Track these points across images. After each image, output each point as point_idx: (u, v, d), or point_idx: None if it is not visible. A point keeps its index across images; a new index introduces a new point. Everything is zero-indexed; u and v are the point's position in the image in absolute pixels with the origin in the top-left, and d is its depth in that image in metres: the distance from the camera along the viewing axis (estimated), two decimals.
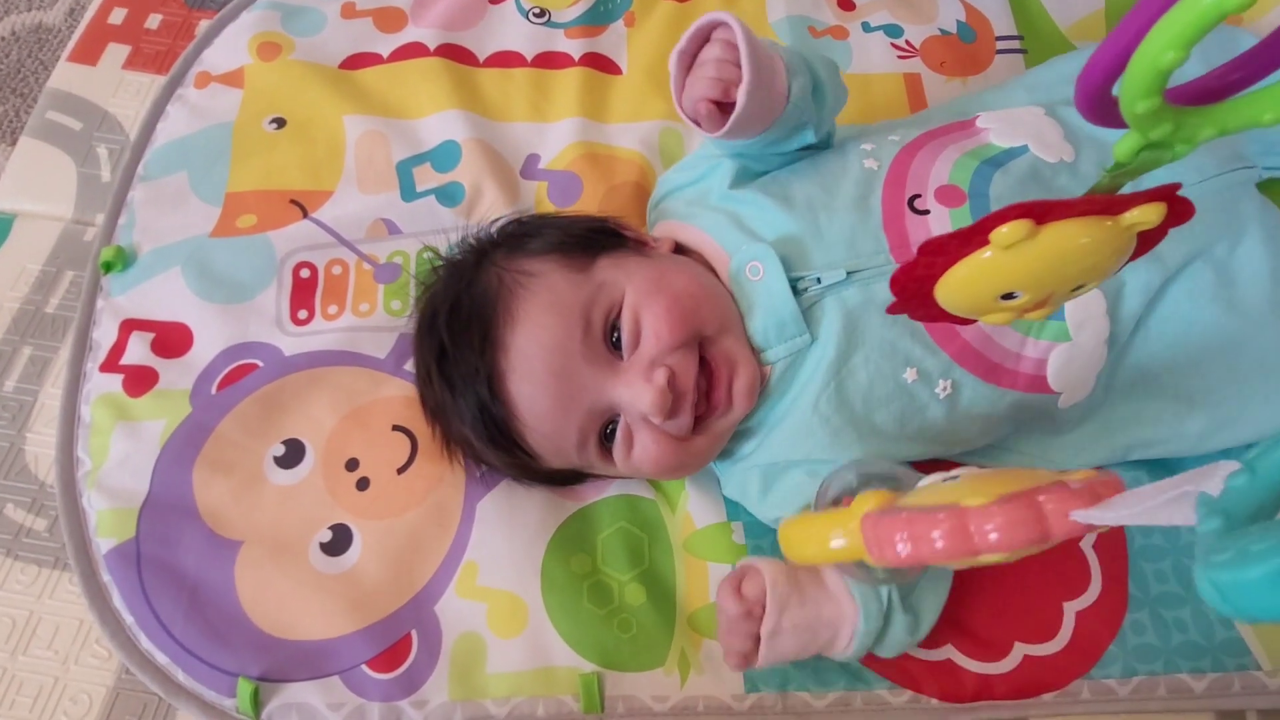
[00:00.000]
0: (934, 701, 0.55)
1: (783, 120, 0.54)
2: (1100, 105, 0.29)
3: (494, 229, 0.61)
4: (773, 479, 0.56)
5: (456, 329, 0.54)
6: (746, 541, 0.59)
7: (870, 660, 0.55)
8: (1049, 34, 0.84)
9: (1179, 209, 0.32)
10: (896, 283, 0.35)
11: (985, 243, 0.31)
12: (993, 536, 0.29)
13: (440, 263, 0.61)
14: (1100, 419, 0.57)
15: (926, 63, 0.82)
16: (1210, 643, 0.57)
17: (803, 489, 0.54)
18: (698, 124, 0.54)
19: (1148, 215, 0.31)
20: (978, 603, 0.57)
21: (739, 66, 0.50)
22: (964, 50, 0.83)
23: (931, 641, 0.56)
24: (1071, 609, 0.58)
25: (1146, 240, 0.33)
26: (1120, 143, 0.30)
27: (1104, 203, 0.31)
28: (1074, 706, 0.55)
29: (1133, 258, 0.34)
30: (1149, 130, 0.29)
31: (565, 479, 0.59)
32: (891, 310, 0.36)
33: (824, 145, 0.62)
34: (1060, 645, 0.56)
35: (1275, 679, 0.56)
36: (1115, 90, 0.28)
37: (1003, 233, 0.31)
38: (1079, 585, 0.58)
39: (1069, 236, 0.31)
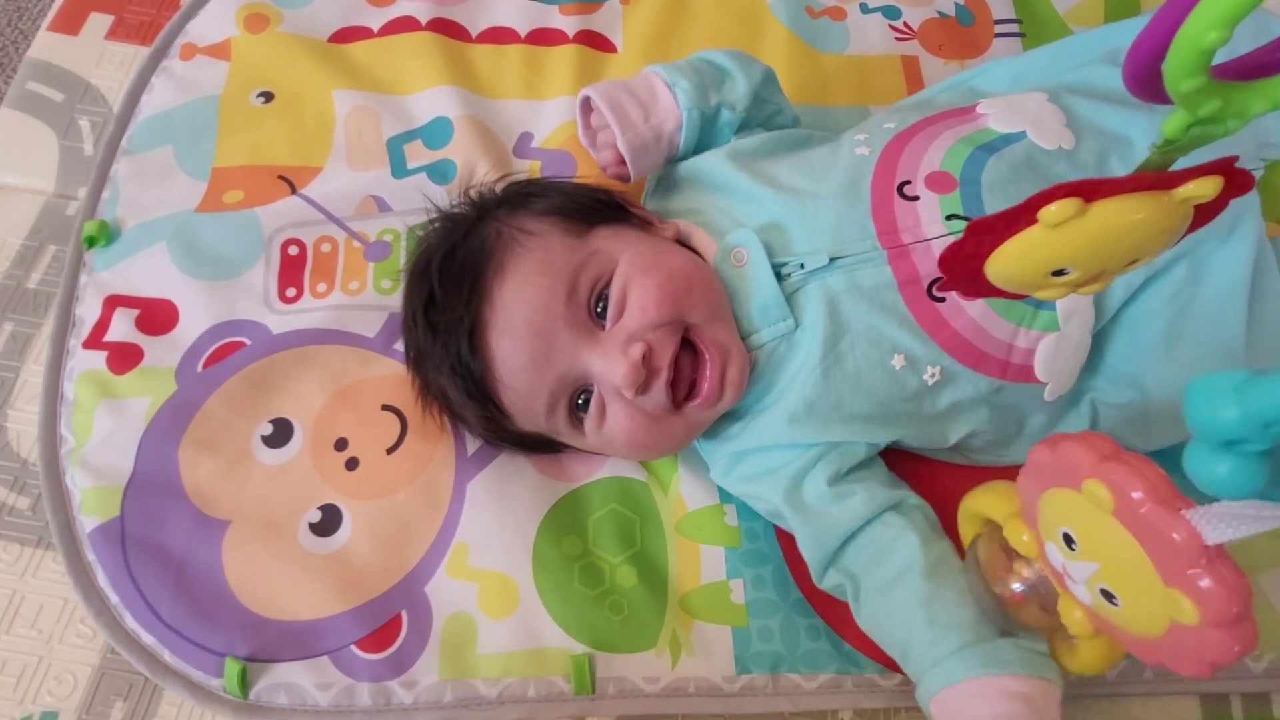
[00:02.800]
0: None
1: (689, 122, 0.61)
2: (1147, 83, 0.28)
3: (499, 186, 0.61)
4: (741, 457, 0.56)
5: (448, 276, 0.53)
6: (739, 524, 0.59)
7: (861, 644, 0.55)
8: (1047, 18, 0.84)
9: (1238, 180, 0.31)
10: (945, 261, 0.34)
11: (1033, 221, 0.31)
12: (1244, 608, 0.31)
13: (438, 215, 0.60)
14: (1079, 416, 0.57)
15: (924, 45, 0.82)
16: None
17: (773, 468, 0.54)
18: (625, 180, 0.64)
19: (1204, 189, 0.30)
20: None
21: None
22: (962, 33, 0.82)
23: None
24: None
25: (1205, 212, 0.32)
26: (1169, 120, 0.30)
27: (1155, 179, 0.31)
28: None
29: (1191, 230, 0.33)
30: (1197, 108, 0.28)
31: (537, 445, 0.59)
32: (941, 288, 0.36)
33: (790, 123, 0.66)
34: None
35: (1259, 664, 0.57)
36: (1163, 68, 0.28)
37: (1051, 211, 0.30)
38: None
39: (1120, 213, 0.31)
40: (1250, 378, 0.25)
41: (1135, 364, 0.55)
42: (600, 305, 0.52)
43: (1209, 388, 0.26)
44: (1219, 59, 0.28)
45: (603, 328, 0.52)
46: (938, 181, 0.53)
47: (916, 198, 0.53)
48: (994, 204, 0.53)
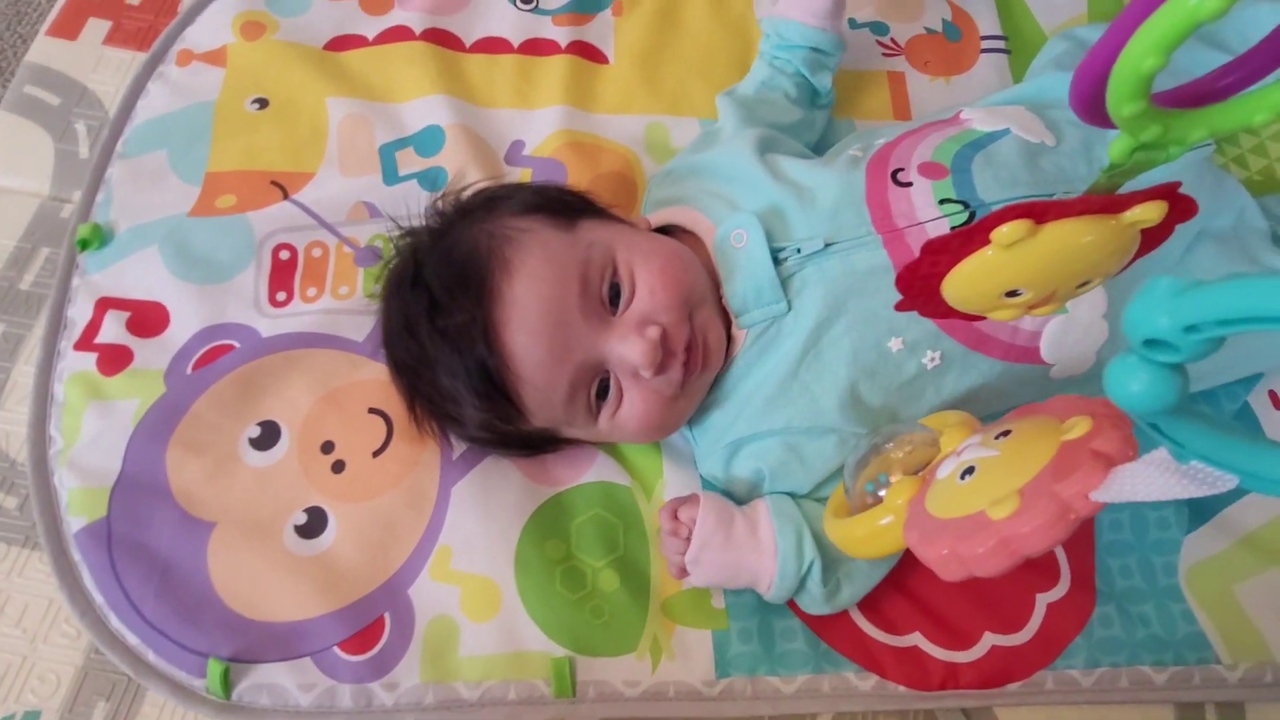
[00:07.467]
0: (901, 688, 0.56)
1: None
2: (1094, 108, 0.29)
3: (462, 196, 0.61)
4: (739, 447, 0.57)
5: (448, 281, 0.53)
6: None
7: (837, 643, 0.56)
8: (1032, 35, 0.85)
9: (1181, 206, 0.32)
10: (902, 280, 0.35)
11: (986, 242, 0.32)
12: (1033, 549, 0.32)
13: (403, 231, 0.61)
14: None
15: (911, 61, 0.83)
16: (1173, 637, 0.58)
17: (769, 452, 0.56)
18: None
19: (1149, 213, 0.32)
20: (950, 591, 0.58)
21: None
22: (949, 49, 0.83)
23: (899, 628, 0.57)
24: (1043, 601, 0.58)
25: (1152, 238, 0.34)
26: (1114, 144, 0.31)
27: (1104, 202, 0.32)
28: (1038, 696, 0.56)
29: (1139, 255, 0.34)
30: (1138, 132, 0.29)
31: (538, 443, 0.59)
32: (899, 307, 0.37)
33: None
34: (1028, 636, 0.57)
35: (1234, 673, 0.57)
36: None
37: (1003, 232, 0.31)
38: (1050, 578, 0.59)
39: (1070, 235, 0.32)
40: (1196, 283, 0.25)
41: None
42: (611, 293, 0.54)
43: (1153, 286, 0.26)
44: (1162, 87, 0.29)
45: (614, 314, 0.53)
46: (930, 169, 0.55)
47: (910, 184, 0.55)
48: (986, 187, 0.54)
